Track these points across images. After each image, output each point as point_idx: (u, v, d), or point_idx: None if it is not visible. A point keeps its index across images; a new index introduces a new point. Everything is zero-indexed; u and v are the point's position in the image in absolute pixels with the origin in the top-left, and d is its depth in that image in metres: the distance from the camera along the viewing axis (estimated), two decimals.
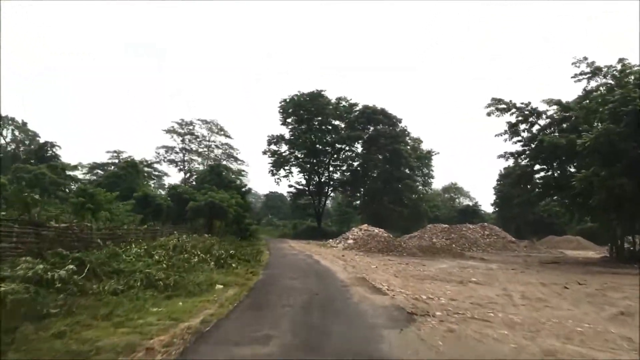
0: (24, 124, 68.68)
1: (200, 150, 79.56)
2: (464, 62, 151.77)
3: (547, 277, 19.71)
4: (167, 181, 77.77)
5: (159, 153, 77.22)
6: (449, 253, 35.03)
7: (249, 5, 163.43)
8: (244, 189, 53.78)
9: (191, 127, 78.38)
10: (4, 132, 68.43)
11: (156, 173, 76.45)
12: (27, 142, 66.98)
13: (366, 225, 44.46)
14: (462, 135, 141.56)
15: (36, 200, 26.25)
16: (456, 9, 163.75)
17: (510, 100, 34.85)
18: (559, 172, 33.66)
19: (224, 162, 73.04)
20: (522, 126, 35.15)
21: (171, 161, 77.79)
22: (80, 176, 62.02)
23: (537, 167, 35.25)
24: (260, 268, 19.23)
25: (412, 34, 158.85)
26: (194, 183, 62.93)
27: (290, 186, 71.19)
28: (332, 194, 77.08)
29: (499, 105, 34.93)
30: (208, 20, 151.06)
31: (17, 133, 69.14)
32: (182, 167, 78.14)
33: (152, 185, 68.75)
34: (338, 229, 65.34)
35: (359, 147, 69.19)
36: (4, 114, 67.43)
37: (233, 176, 61.16)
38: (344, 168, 70.88)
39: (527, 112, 34.46)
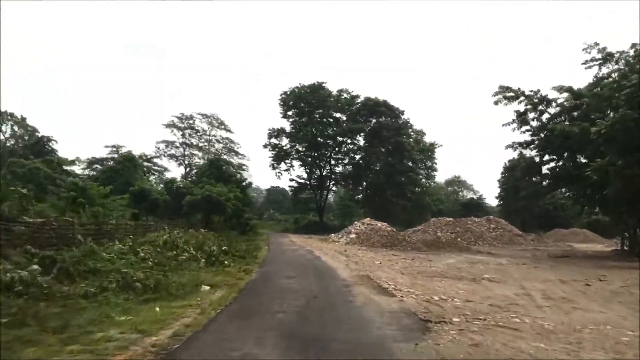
0: (23, 119, 67.40)
1: (200, 144, 78.19)
2: (464, 62, 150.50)
3: (563, 273, 18.47)
4: (169, 176, 76.51)
5: (159, 148, 75.74)
6: (455, 247, 33.87)
7: (249, 5, 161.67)
8: (244, 183, 52.55)
9: (191, 122, 76.88)
10: (3, 128, 67.80)
11: (156, 168, 75.14)
12: (26, 138, 65.78)
13: (369, 219, 43.28)
14: (462, 133, 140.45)
15: (23, 194, 24.99)
16: (456, 9, 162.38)
17: (519, 88, 33.42)
18: (570, 162, 32.23)
19: (225, 157, 71.66)
20: (531, 115, 33.71)
21: (171, 156, 76.42)
22: (79, 171, 60.91)
23: (546, 157, 33.83)
24: (255, 265, 17.87)
25: (412, 34, 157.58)
26: (194, 178, 61.70)
27: (291, 180, 69.90)
28: (334, 188, 75.75)
29: (506, 94, 33.46)
30: (208, 20, 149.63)
31: (16, 128, 68.12)
32: (182, 161, 76.85)
33: (153, 180, 67.47)
34: (340, 223, 63.99)
35: (361, 140, 67.77)
36: (3, 109, 66.95)
37: (233, 170, 59.91)
38: (346, 161, 69.40)
39: (536, 100, 33.01)
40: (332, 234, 43.82)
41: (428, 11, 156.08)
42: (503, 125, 34.44)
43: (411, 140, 67.26)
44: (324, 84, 66.13)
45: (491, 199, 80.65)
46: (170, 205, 40.20)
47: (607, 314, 9.48)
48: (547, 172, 34.45)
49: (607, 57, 32.01)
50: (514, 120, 34.23)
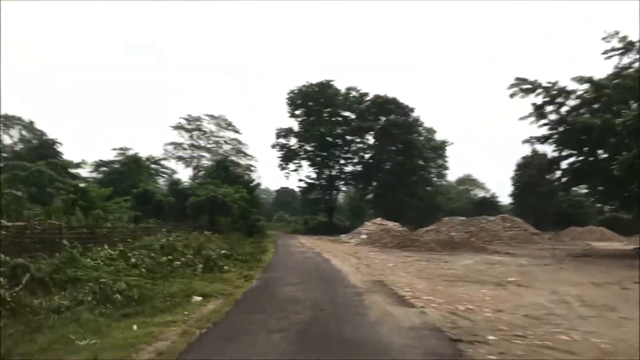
0: (31, 122, 67.00)
1: (209, 146, 77.24)
2: (464, 62, 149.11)
3: (592, 274, 17.02)
4: (177, 178, 75.63)
5: (166, 150, 74.93)
6: (470, 247, 32.58)
7: (249, 5, 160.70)
8: (251, 184, 51.38)
9: (199, 123, 76.04)
10: (11, 132, 67.39)
11: (164, 170, 74.26)
12: (34, 142, 65.15)
13: (380, 219, 42.20)
14: (462, 133, 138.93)
15: (16, 196, 23.85)
16: (456, 9, 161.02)
17: (536, 80, 31.97)
18: (591, 157, 30.70)
19: (233, 158, 70.65)
20: (549, 108, 32.20)
21: (180, 158, 75.58)
22: (86, 174, 60.26)
23: (565, 152, 32.32)
24: (258, 270, 16.45)
25: (411, 34, 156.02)
26: (201, 179, 60.72)
27: (300, 180, 68.74)
28: (343, 188, 74.41)
29: (523, 85, 32.07)
30: (208, 20, 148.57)
31: (24, 132, 67.74)
32: (189, 163, 75.90)
33: (162, 182, 66.56)
34: (350, 223, 62.64)
35: (370, 139, 66.58)
36: (7, 113, 66.57)
37: (240, 171, 58.87)
38: (355, 160, 68.04)
39: (554, 92, 31.52)
40: (343, 235, 42.96)
41: (428, 11, 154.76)
42: (520, 119, 33.16)
43: (422, 138, 65.97)
44: (331, 82, 65.15)
45: (501, 198, 78.89)
46: (175, 207, 39.12)
47: None
48: (567, 167, 32.98)
49: (628, 47, 30.44)
50: (530, 113, 32.86)
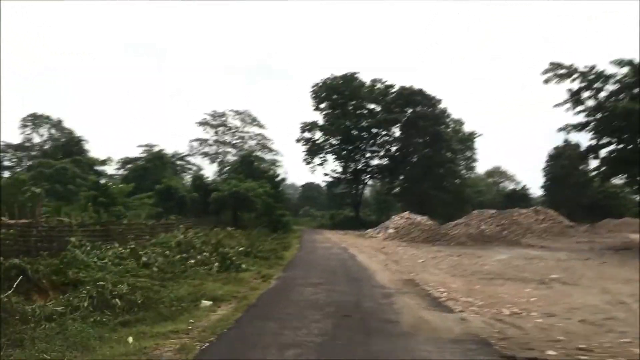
0: (59, 121, 68.18)
1: (234, 141, 77.13)
2: (464, 62, 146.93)
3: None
4: (201, 174, 75.72)
5: (192, 146, 75.21)
6: (503, 241, 31.48)
7: (249, 5, 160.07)
8: (276, 179, 50.59)
9: (224, 119, 76.14)
10: (40, 130, 68.06)
11: (189, 166, 74.42)
12: (63, 140, 65.78)
13: (407, 213, 41.05)
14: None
15: (36, 194, 23.41)
16: (456, 9, 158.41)
17: (572, 64, 30.30)
18: (632, 145, 28.99)
19: (258, 153, 70.23)
20: (586, 94, 30.54)
21: (205, 154, 75.78)
22: (112, 172, 60.66)
23: (604, 140, 30.62)
24: (278, 269, 15.44)
25: (411, 34, 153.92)
26: (226, 175, 60.37)
27: (325, 175, 67.76)
28: (369, 182, 73.27)
29: (558, 71, 30.44)
30: (208, 20, 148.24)
31: (52, 131, 68.58)
32: (214, 159, 75.84)
33: (188, 178, 66.67)
34: (377, 218, 61.50)
35: (396, 131, 65.05)
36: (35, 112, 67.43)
37: (264, 166, 58.23)
38: (382, 153, 66.68)
39: (591, 77, 29.83)
40: (369, 230, 41.85)
41: (428, 11, 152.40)
42: (555, 106, 31.57)
43: (449, 129, 64.36)
44: (356, 75, 63.87)
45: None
46: (199, 203, 38.62)
47: None
48: (605, 155, 31.29)
49: None
50: (566, 100, 31.24)
